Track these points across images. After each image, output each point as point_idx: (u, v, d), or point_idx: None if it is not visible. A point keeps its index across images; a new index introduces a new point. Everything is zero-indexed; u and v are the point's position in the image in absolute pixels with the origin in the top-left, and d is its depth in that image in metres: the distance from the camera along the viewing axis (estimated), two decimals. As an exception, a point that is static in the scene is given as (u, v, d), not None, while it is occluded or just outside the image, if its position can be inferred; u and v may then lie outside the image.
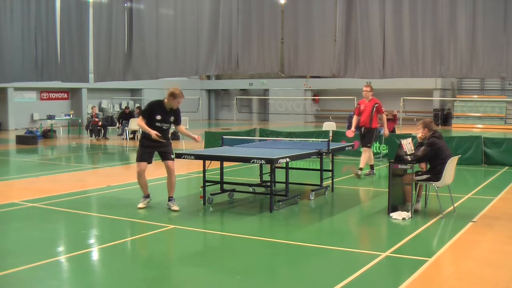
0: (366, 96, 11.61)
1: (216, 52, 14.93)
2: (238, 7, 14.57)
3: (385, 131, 12.00)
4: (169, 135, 8.55)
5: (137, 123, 8.36)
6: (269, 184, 8.65)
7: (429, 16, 12.40)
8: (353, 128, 11.72)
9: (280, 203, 8.50)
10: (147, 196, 8.58)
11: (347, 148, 10.34)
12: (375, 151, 14.93)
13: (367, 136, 11.44)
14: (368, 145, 11.47)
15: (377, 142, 14.98)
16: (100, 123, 23.05)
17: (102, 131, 23.06)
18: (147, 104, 8.49)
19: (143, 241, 6.85)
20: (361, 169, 11.31)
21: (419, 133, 8.07)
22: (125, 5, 16.32)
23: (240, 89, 40.88)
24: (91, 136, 22.81)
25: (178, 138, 21.82)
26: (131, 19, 16.19)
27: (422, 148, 7.89)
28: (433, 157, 7.87)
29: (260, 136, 16.75)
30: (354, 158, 14.21)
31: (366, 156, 11.40)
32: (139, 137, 21.92)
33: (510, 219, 8.00)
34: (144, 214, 8.05)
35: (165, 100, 8.28)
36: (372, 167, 11.83)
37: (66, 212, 8.36)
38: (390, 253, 6.14)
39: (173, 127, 8.65)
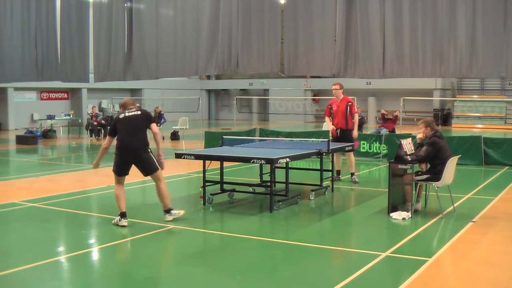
0: (337, 95, 10.74)
1: (216, 52, 14.93)
2: (238, 7, 14.57)
3: (355, 132, 10.80)
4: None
5: (157, 130, 7.58)
6: (269, 184, 8.65)
7: (429, 16, 12.40)
8: (333, 127, 10.73)
9: (280, 203, 8.49)
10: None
11: (347, 148, 10.32)
12: (375, 151, 14.94)
13: (345, 139, 10.55)
14: (351, 148, 10.67)
15: (377, 142, 15.00)
16: (102, 122, 23.04)
17: (102, 131, 23.05)
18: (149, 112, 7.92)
19: (143, 241, 6.85)
20: (353, 174, 10.86)
21: (420, 132, 8.06)
22: (125, 5, 16.33)
23: (240, 89, 40.89)
24: (91, 136, 22.81)
25: (178, 138, 21.83)
26: (131, 19, 16.20)
27: (424, 148, 7.88)
28: (433, 156, 7.87)
29: (260, 136, 16.74)
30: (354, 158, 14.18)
31: (352, 159, 10.81)
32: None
33: (510, 219, 7.99)
34: (144, 214, 8.04)
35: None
36: (338, 172, 11.08)
37: (66, 212, 8.36)
38: (390, 253, 6.14)
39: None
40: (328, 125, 10.98)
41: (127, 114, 7.53)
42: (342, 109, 10.67)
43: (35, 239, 6.94)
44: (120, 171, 7.51)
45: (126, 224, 7.35)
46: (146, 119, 7.58)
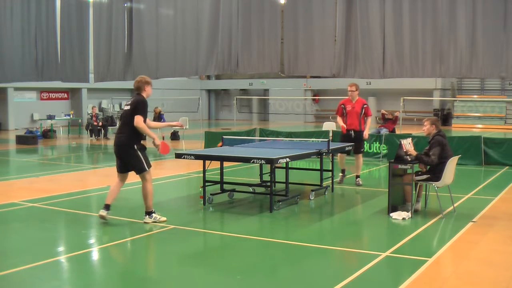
0: (353, 97, 10.42)
1: (216, 52, 14.95)
2: (238, 7, 14.59)
3: (365, 133, 10.54)
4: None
5: (139, 124, 7.13)
6: (269, 184, 8.65)
7: (429, 16, 12.42)
8: (344, 125, 10.50)
9: (280, 203, 8.49)
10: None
11: (347, 148, 10.31)
12: (375, 151, 14.95)
13: (357, 140, 10.31)
14: (362, 150, 10.53)
15: (377, 142, 15.00)
16: (101, 123, 23.05)
17: (102, 131, 23.06)
18: (144, 101, 7.30)
19: (143, 241, 6.85)
20: (358, 176, 10.63)
21: (424, 129, 8.04)
22: (125, 5, 16.35)
23: (240, 89, 40.89)
24: (91, 136, 22.81)
25: (178, 138, 21.84)
26: (131, 19, 16.22)
27: (431, 152, 7.82)
28: (438, 156, 7.83)
29: (260, 136, 16.74)
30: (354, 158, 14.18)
31: (360, 162, 10.57)
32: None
33: (510, 219, 8.00)
34: (143, 214, 8.03)
35: (145, 93, 7.40)
36: (343, 171, 10.80)
37: (66, 212, 8.36)
38: (390, 253, 6.14)
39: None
40: (339, 123, 10.61)
41: (124, 108, 7.46)
42: (357, 110, 10.33)
43: (35, 239, 6.94)
44: (116, 167, 7.56)
45: (103, 214, 7.39)
46: (131, 111, 7.18)
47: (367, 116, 10.51)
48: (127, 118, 7.26)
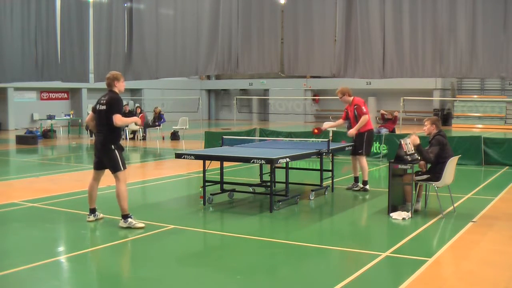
0: (344, 101, 10.13)
1: (216, 52, 14.93)
2: (238, 7, 14.57)
3: (351, 131, 10.02)
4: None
5: (119, 122, 7.16)
6: (269, 184, 8.65)
7: (429, 16, 12.40)
8: (324, 126, 10.47)
9: (280, 203, 8.49)
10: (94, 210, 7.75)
11: (347, 148, 10.31)
12: (375, 151, 14.94)
13: (356, 142, 9.98)
14: (360, 151, 9.94)
15: (377, 142, 14.99)
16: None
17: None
18: (118, 98, 7.29)
19: (143, 241, 6.85)
20: (365, 182, 10.08)
21: (424, 129, 8.05)
22: (125, 5, 16.33)
23: (240, 89, 40.90)
24: (91, 136, 22.79)
25: (178, 138, 21.83)
26: (131, 19, 16.20)
27: (431, 150, 7.82)
28: (436, 155, 7.84)
29: (260, 136, 16.74)
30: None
31: (364, 164, 10.03)
32: (139, 137, 22.15)
33: (510, 219, 8.00)
34: (143, 214, 8.03)
35: (116, 89, 7.38)
36: (356, 179, 10.20)
37: (66, 212, 8.36)
38: (390, 253, 6.14)
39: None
40: (333, 123, 10.54)
41: (97, 108, 7.33)
42: (352, 113, 10.06)
43: (35, 239, 6.94)
44: (93, 164, 7.66)
45: (92, 219, 7.60)
46: (106, 111, 7.15)
47: (361, 115, 9.98)
48: (103, 118, 7.23)
